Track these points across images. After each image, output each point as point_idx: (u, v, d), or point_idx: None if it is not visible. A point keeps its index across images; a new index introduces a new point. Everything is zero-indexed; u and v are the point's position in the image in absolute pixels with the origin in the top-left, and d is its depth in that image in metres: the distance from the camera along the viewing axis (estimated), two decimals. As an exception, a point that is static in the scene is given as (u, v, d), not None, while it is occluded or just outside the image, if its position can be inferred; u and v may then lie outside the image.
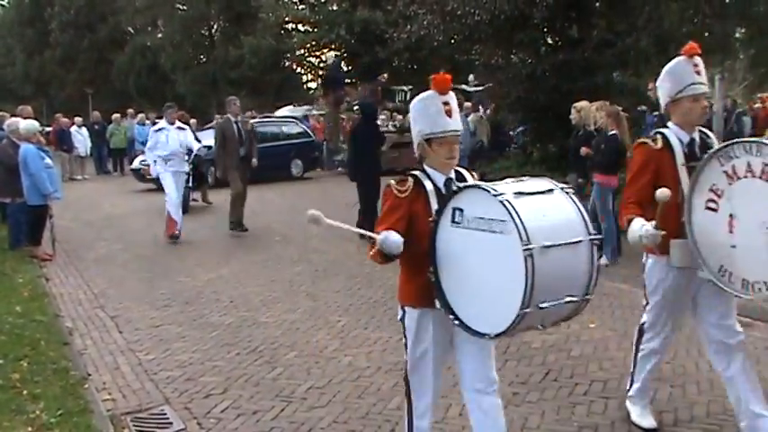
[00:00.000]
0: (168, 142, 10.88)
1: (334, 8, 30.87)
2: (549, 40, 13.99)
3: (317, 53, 32.88)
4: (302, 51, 32.47)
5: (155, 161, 11.07)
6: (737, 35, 15.97)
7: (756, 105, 22.59)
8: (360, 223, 9.47)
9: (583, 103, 9.14)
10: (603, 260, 8.35)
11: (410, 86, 23.98)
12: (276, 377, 5.19)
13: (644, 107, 16.13)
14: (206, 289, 7.87)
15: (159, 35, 39.44)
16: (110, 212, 14.45)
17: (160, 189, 17.12)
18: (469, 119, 12.48)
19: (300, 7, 32.68)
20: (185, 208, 12.53)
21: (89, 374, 5.34)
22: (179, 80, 36.05)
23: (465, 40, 14.68)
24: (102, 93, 41.39)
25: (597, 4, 13.48)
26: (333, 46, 31.18)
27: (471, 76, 21.84)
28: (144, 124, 23.02)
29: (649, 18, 12.33)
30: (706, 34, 13.99)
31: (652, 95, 8.70)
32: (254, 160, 11.59)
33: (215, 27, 37.62)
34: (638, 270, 8.06)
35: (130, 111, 24.77)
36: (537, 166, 12.93)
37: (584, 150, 8.54)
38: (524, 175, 11.49)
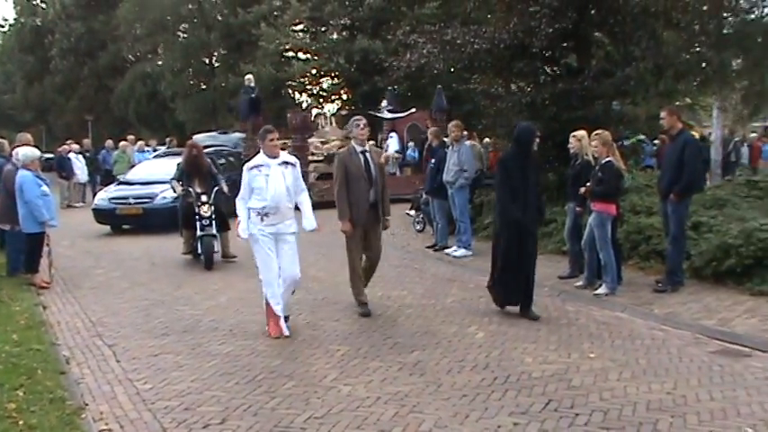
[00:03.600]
0: (268, 187, 6.89)
1: (334, 37, 31.22)
2: (549, 70, 14.09)
3: (317, 81, 33.21)
4: (302, 79, 32.75)
5: (248, 216, 7.04)
6: (734, 66, 16.11)
7: (752, 135, 22.94)
8: (495, 295, 7.88)
9: (582, 132, 9.18)
10: (603, 290, 8.34)
11: (335, 109, 23.60)
12: (275, 407, 5.15)
13: (643, 136, 16.23)
14: (204, 317, 7.83)
15: (159, 63, 39.74)
16: (107, 240, 14.43)
17: (119, 232, 15.16)
18: (467, 143, 12.46)
19: (300, 36, 33.03)
20: (208, 263, 10.64)
21: (86, 404, 5.29)
22: (179, 107, 36.30)
23: (464, 68, 14.77)
24: (102, 120, 41.64)
25: (596, 34, 13.59)
26: (333, 74, 31.52)
27: (384, 102, 21.82)
28: (143, 151, 23.07)
29: (647, 47, 12.45)
30: (703, 64, 14.12)
31: (665, 124, 8.71)
32: (387, 219, 8.06)
33: (215, 55, 37.96)
34: (638, 300, 8.12)
35: (131, 137, 24.71)
36: (536, 195, 12.93)
37: (583, 190, 8.56)
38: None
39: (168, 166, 15.36)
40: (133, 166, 21.58)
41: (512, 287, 7.68)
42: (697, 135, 16.71)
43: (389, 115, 21.67)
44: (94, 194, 19.98)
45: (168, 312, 8.09)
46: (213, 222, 10.82)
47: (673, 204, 8.34)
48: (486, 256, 11.31)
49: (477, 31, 12.96)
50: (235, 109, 23.54)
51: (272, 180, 6.93)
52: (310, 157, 19.83)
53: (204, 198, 10.94)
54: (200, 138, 18.95)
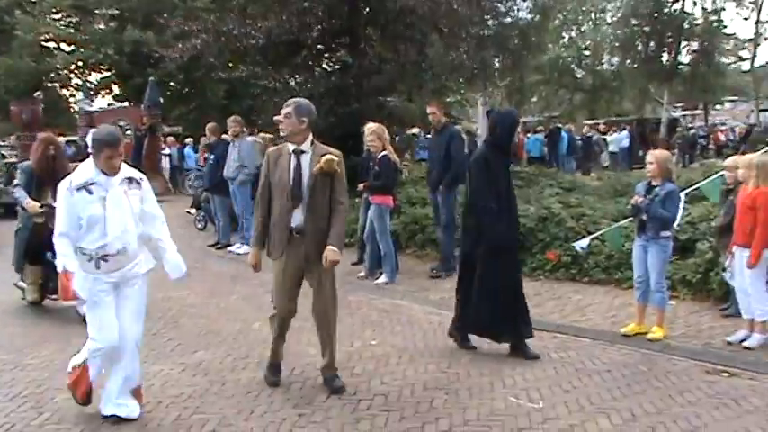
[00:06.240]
0: (107, 218, 4.53)
1: (102, 27, 29.51)
2: (325, 65, 14.35)
3: (85, 74, 31.19)
4: (66, 72, 30.59)
5: (67, 262, 4.52)
6: (496, 65, 17.43)
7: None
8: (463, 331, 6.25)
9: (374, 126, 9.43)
10: (383, 279, 8.66)
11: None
12: (43, 423, 4.77)
13: (416, 130, 17.06)
14: (-42, 333, 7.07)
15: None
16: None
17: None
18: (249, 139, 12.34)
19: (61, 25, 30.79)
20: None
21: None
22: None
23: (241, 62, 14.62)
24: None
25: (367, 31, 14.03)
26: (101, 67, 29.77)
27: (81, 94, 21.43)
28: None
29: (412, 46, 13.11)
30: (467, 63, 15.12)
31: (432, 119, 9.17)
32: (335, 251, 5.25)
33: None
34: (416, 287, 8.53)
35: None
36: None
37: (361, 186, 8.86)
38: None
39: None
40: None
41: (494, 316, 5.96)
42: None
43: (90, 108, 20.77)
44: None
45: None
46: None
47: (442, 195, 8.86)
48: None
49: (253, 24, 12.89)
50: None
51: (111, 206, 4.55)
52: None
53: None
54: None
